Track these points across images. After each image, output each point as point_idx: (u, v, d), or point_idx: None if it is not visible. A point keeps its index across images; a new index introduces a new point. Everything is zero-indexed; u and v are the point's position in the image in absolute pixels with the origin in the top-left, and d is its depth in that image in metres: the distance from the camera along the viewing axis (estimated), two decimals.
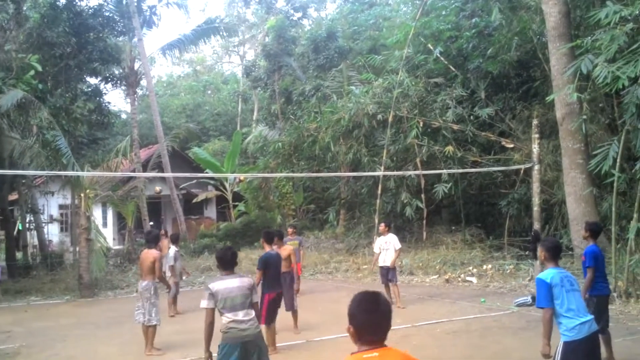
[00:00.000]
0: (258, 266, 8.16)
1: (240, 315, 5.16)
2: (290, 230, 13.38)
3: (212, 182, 27.90)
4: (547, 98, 14.23)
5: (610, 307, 9.55)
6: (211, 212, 31.33)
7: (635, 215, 10.17)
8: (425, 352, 6.68)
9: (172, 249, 11.79)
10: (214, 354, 5.18)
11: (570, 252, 13.84)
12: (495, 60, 18.28)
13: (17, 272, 17.96)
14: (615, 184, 10.68)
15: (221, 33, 30.53)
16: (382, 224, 11.92)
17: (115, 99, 53.51)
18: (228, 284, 5.21)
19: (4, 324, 11.08)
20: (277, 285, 8.16)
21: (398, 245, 11.37)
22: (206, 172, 25.92)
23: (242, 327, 5.12)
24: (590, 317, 4.88)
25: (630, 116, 10.47)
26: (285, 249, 9.65)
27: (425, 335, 8.08)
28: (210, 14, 54.50)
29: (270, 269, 8.04)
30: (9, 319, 11.77)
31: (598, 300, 6.69)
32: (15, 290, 15.65)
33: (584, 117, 12.94)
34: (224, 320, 5.16)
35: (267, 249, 8.37)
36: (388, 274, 11.12)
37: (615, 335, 7.91)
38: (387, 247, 11.23)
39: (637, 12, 10.35)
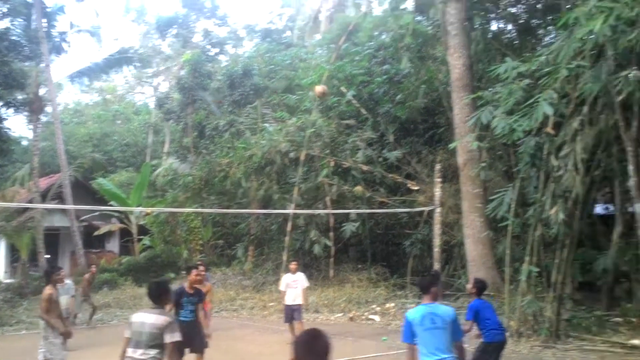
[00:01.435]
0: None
1: (138, 353, 5.04)
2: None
3: (116, 214, 26.84)
4: (449, 145, 14.99)
5: None
6: (114, 245, 29.98)
7: (526, 258, 10.80)
8: None
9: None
10: None
11: (467, 292, 14.44)
12: (403, 105, 19.15)
13: None
14: (509, 228, 11.31)
15: (134, 63, 30.00)
16: (294, 263, 11.88)
17: (17, 125, 50.87)
18: (144, 319, 5.15)
19: None
20: None
21: (306, 284, 11.39)
22: (110, 204, 24.94)
23: None
24: (446, 356, 4.98)
25: (524, 165, 11.22)
26: (204, 286, 9.44)
27: None
28: (124, 44, 53.33)
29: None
30: None
31: (494, 347, 7.01)
32: None
33: (483, 164, 13.73)
34: (127, 352, 5.10)
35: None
36: (293, 313, 11.08)
37: None
38: (295, 285, 11.20)
39: (533, 68, 11.21)
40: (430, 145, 19.20)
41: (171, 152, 32.01)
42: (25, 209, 21.09)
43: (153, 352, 5.04)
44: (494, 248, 14.32)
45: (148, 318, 5.14)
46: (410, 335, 5.09)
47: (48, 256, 23.61)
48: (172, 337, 5.08)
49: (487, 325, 7.08)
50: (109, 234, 28.24)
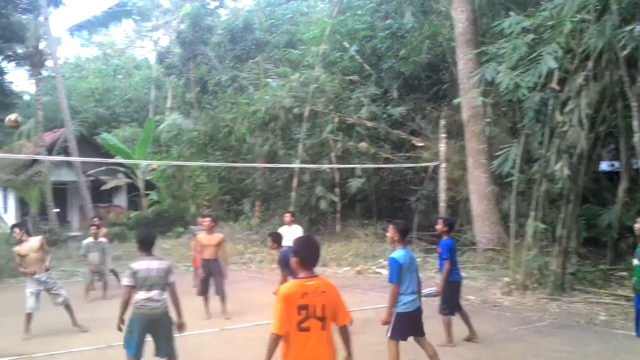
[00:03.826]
0: None
1: (152, 294, 5.59)
2: (200, 219, 13.31)
3: (122, 169, 27.02)
4: (454, 101, 15.03)
5: (509, 298, 10.46)
6: (121, 200, 30.31)
7: (532, 214, 11.01)
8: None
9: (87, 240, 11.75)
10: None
11: (473, 247, 14.78)
12: (407, 61, 19.04)
13: None
14: (514, 184, 11.49)
15: (134, 17, 29.62)
16: (288, 215, 12.03)
17: (18, 79, 50.44)
18: (149, 265, 5.66)
19: None
20: None
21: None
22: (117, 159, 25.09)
23: (152, 306, 5.59)
24: (416, 295, 5.88)
25: (529, 121, 11.31)
26: (215, 236, 9.73)
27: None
28: None
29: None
30: None
31: (452, 285, 7.43)
32: None
33: (488, 120, 13.80)
34: (137, 297, 5.59)
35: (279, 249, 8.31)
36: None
37: (513, 324, 8.74)
38: (290, 237, 11.41)
39: (538, 23, 11.16)
40: (435, 101, 19.22)
41: (174, 107, 31.97)
42: (33, 163, 21.28)
43: (164, 292, 5.68)
44: (498, 204, 14.56)
45: (152, 264, 5.68)
46: (400, 276, 5.73)
47: (57, 210, 23.95)
48: (173, 277, 5.79)
49: (455, 264, 7.55)
50: (117, 189, 28.54)
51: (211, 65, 28.10)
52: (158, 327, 5.64)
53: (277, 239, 8.38)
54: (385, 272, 14.40)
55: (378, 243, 16.89)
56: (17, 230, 9.10)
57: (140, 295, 5.58)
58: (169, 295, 5.75)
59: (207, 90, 27.38)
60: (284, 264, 7.58)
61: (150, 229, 6.48)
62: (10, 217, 24.91)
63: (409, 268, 5.79)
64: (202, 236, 9.88)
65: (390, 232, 5.98)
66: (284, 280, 7.83)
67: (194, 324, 9.00)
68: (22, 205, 25.73)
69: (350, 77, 20.06)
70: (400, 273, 5.72)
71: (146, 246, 5.76)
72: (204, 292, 9.62)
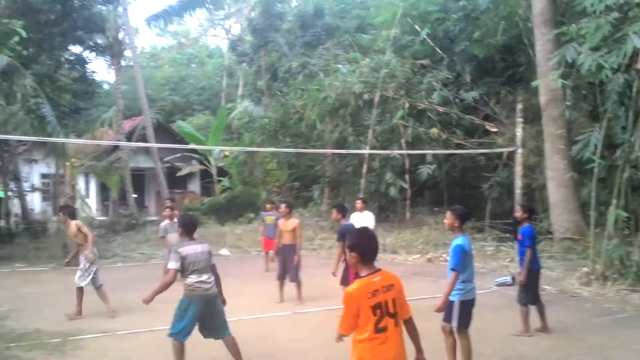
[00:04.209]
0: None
1: (204, 277, 5.77)
2: (268, 205, 13.52)
3: (196, 156, 27.83)
4: (532, 83, 14.47)
5: (587, 289, 10.04)
6: (195, 186, 31.28)
7: (614, 202, 10.49)
8: None
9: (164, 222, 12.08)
10: None
11: (550, 236, 14.25)
12: (481, 43, 18.44)
13: (1, 239, 17.89)
14: (595, 171, 10.97)
15: (207, 5, 30.23)
16: (359, 201, 12.07)
17: (97, 69, 52.75)
18: (195, 249, 5.81)
19: None
20: None
21: (373, 224, 11.55)
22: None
23: (205, 287, 5.76)
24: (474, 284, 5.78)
25: (612, 104, 10.75)
26: (291, 222, 9.83)
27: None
28: None
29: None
30: None
31: (532, 274, 7.19)
32: (0, 257, 15.64)
33: (567, 103, 13.23)
34: (189, 280, 5.74)
35: (343, 221, 8.49)
36: None
37: (592, 315, 8.39)
38: (362, 224, 11.42)
39: (622, 1, 10.55)
40: (510, 85, 18.55)
41: (245, 95, 32.55)
42: (114, 150, 22.24)
43: (211, 275, 5.87)
44: (577, 191, 13.96)
45: (197, 248, 5.83)
46: (461, 263, 5.57)
47: (135, 195, 24.98)
48: (213, 259, 6.00)
49: (536, 252, 7.30)
50: (191, 175, 29.47)
51: (282, 52, 28.37)
52: (212, 308, 5.80)
53: (342, 210, 8.57)
54: None
55: (449, 231, 16.55)
56: (60, 213, 9.40)
57: (192, 278, 5.72)
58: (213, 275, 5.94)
59: (277, 77, 27.67)
60: (342, 237, 7.71)
61: (193, 215, 6.69)
62: (92, 202, 26.20)
63: (470, 255, 5.71)
64: (281, 222, 10.04)
65: (449, 218, 5.81)
66: (341, 253, 7.96)
67: (267, 306, 9.26)
68: (103, 191, 27.04)
69: (422, 61, 19.68)
70: (464, 260, 5.59)
71: (190, 230, 5.94)
72: (280, 276, 9.78)
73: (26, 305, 9.63)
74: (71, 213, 9.34)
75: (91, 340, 7.37)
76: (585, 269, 10.63)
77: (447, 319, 5.69)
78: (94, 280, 8.94)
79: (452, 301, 5.62)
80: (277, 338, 7.44)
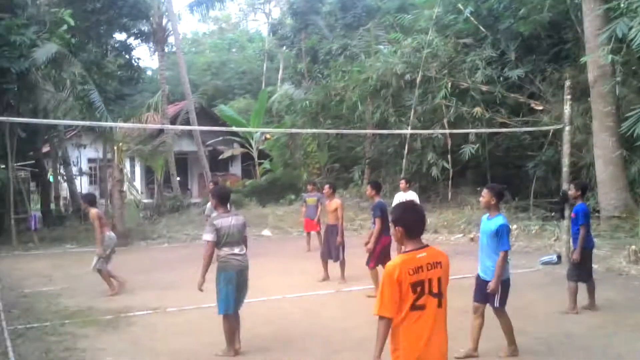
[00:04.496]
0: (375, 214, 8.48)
1: (236, 249, 5.86)
2: (309, 187, 13.76)
3: (237, 139, 28.19)
4: (580, 60, 14.10)
5: (636, 267, 9.84)
6: (236, 169, 31.75)
7: None
8: (453, 303, 6.93)
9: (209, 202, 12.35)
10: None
11: (597, 214, 13.94)
12: (526, 20, 17.98)
13: (52, 222, 18.59)
14: None
15: None
16: (403, 181, 12.11)
17: (141, 55, 53.76)
18: (229, 222, 5.86)
19: (44, 269, 11.59)
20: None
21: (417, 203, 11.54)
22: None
23: (238, 259, 5.86)
24: None
25: None
26: (334, 202, 9.95)
27: (453, 288, 8.26)
28: None
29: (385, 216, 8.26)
30: (47, 264, 12.28)
31: (584, 252, 7.08)
32: (51, 238, 16.22)
33: (617, 79, 12.83)
34: (222, 252, 5.82)
35: (377, 198, 8.65)
36: None
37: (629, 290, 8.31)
38: None
39: None
40: (556, 62, 18.07)
41: (286, 78, 32.68)
42: (159, 134, 22.74)
43: (244, 247, 5.98)
44: (625, 169, 13.60)
45: (231, 220, 5.88)
46: (509, 242, 5.59)
47: (179, 178, 25.51)
48: (246, 232, 6.11)
49: (589, 230, 7.21)
50: (232, 158, 29.92)
51: (322, 35, 28.31)
52: (242, 279, 5.90)
53: (376, 186, 8.77)
54: None
55: (484, 209, 16.35)
56: (81, 201, 9.63)
57: (225, 250, 5.81)
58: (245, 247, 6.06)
59: (318, 60, 27.68)
60: (377, 212, 8.33)
61: (224, 186, 6.67)
62: (138, 185, 26.92)
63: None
64: (326, 202, 10.27)
65: (486, 196, 5.70)
66: (378, 228, 8.18)
67: (310, 285, 9.38)
68: (148, 174, 27.72)
69: (465, 40, 19.36)
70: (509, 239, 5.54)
71: (224, 201, 5.99)
72: (324, 255, 9.92)
73: (78, 284, 9.98)
74: (92, 201, 9.58)
75: (141, 316, 7.61)
76: (633, 247, 10.39)
77: (485, 299, 5.61)
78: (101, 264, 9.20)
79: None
80: (321, 316, 7.54)
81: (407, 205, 3.55)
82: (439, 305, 3.19)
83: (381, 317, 3.12)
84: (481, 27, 19.32)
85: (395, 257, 3.38)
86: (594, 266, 9.96)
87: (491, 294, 5.52)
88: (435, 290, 3.17)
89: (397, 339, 3.15)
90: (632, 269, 9.81)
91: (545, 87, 17.68)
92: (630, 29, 10.46)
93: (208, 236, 5.77)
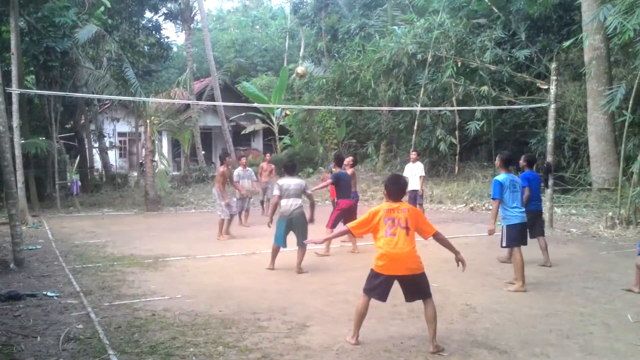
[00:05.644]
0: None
1: (290, 202, 8.09)
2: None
3: (259, 115, 29.42)
4: (566, 44, 14.93)
5: (610, 231, 10.96)
6: (258, 144, 33.10)
7: None
8: (440, 255, 8.14)
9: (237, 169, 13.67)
10: None
11: (589, 187, 15.02)
12: (537, 2, 18.70)
13: (89, 189, 20.23)
14: (626, 124, 11.68)
15: None
16: (414, 152, 13.19)
17: (167, 33, 55.00)
18: (289, 182, 8.14)
19: (88, 227, 13.14)
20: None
21: (422, 173, 12.74)
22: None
23: (291, 209, 8.08)
24: (523, 210, 7.07)
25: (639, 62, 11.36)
26: (350, 171, 10.95)
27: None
28: None
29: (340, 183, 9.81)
30: (90, 223, 13.87)
31: (533, 214, 8.08)
32: (90, 203, 17.88)
33: (611, 60, 13.72)
34: (282, 203, 8.10)
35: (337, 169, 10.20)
36: (416, 198, 12.58)
37: (602, 250, 9.54)
38: (414, 173, 12.63)
39: None
40: (564, 42, 18.85)
41: (306, 56, 33.69)
42: (186, 109, 24.15)
43: (299, 200, 8.14)
44: (617, 145, 14.58)
45: (292, 181, 8.15)
46: (500, 194, 6.91)
47: (204, 152, 26.96)
48: (309, 190, 8.41)
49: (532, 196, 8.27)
50: (254, 133, 31.23)
51: (341, 14, 29.24)
52: (296, 223, 8.06)
53: (338, 160, 10.34)
54: None
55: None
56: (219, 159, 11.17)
57: (284, 202, 8.06)
58: (308, 200, 8.40)
59: (337, 39, 28.63)
60: (331, 179, 10.04)
61: (292, 159, 9.14)
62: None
63: (509, 188, 6.89)
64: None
65: (498, 160, 7.26)
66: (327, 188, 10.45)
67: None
68: (174, 147, 29.22)
69: (477, 20, 20.21)
70: (501, 191, 6.87)
71: (290, 170, 8.30)
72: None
73: (119, 238, 11.46)
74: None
75: (176, 261, 9.04)
76: (610, 214, 11.51)
77: (501, 242, 7.12)
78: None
79: (502, 226, 7.05)
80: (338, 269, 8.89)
81: (392, 177, 5.23)
82: (407, 234, 4.82)
83: (350, 230, 5.13)
84: (494, 8, 20.06)
85: (382, 203, 5.08)
86: (573, 230, 11.21)
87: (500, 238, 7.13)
88: (403, 224, 4.83)
89: (381, 255, 4.85)
90: (605, 233, 10.95)
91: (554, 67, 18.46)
92: (610, 16, 11.33)
93: (275, 192, 8.10)
